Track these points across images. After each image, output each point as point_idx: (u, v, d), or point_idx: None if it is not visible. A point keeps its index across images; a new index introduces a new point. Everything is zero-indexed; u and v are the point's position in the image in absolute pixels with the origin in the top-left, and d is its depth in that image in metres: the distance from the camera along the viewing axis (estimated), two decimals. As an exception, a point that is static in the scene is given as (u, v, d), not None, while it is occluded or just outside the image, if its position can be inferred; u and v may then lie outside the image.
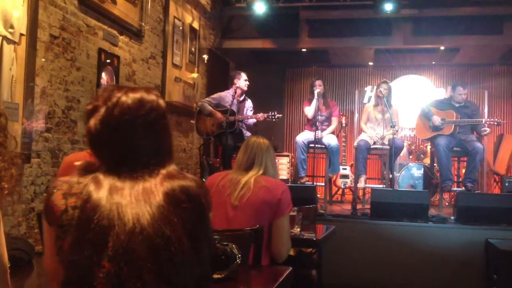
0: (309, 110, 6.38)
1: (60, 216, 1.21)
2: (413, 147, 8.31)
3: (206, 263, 1.29)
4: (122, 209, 1.19)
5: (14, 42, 3.59)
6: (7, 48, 3.53)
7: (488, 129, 5.91)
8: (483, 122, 5.93)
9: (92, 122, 1.27)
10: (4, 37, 3.49)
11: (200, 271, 1.25)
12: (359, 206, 5.95)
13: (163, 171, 1.28)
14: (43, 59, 3.93)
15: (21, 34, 3.66)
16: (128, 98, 1.28)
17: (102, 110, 1.27)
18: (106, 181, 1.23)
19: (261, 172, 2.65)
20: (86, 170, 1.28)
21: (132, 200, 1.20)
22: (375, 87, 6.72)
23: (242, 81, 6.12)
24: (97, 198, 1.19)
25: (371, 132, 6.30)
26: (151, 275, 1.15)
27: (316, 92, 6.23)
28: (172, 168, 1.30)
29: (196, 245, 1.24)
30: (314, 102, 6.24)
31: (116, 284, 1.14)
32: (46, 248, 1.29)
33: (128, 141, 1.27)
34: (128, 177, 1.24)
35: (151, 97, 1.32)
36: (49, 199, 1.24)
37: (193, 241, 1.23)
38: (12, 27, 3.55)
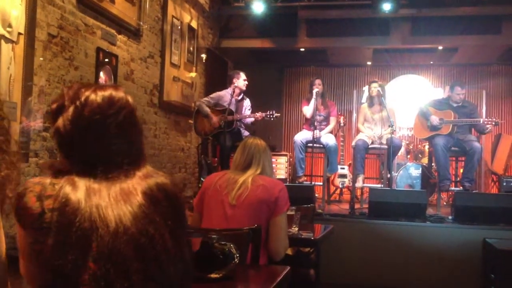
0: (307, 110, 6.38)
1: (36, 219, 1.16)
2: (411, 147, 8.32)
3: (188, 259, 1.29)
4: (103, 210, 1.17)
5: (12, 41, 3.59)
6: (5, 47, 3.52)
7: (489, 127, 5.92)
8: (481, 122, 5.95)
9: (61, 122, 1.23)
10: (2, 36, 3.48)
11: (183, 267, 1.25)
12: (357, 206, 5.95)
13: (139, 173, 1.26)
14: (41, 58, 3.93)
15: (19, 33, 3.65)
16: (97, 97, 1.25)
17: (71, 110, 1.23)
18: (82, 183, 1.19)
19: (258, 171, 2.67)
20: (57, 171, 1.24)
21: (112, 201, 1.18)
22: (368, 86, 6.74)
23: (241, 80, 6.12)
24: (76, 200, 1.16)
25: (369, 132, 6.31)
26: (138, 274, 1.15)
27: (314, 91, 6.24)
28: (147, 169, 1.29)
29: (177, 242, 1.24)
30: (313, 101, 6.24)
31: (103, 286, 1.12)
32: (22, 252, 1.23)
33: (100, 141, 1.24)
34: (104, 178, 1.22)
35: (120, 94, 1.28)
36: (21, 202, 1.18)
37: (175, 238, 1.23)
38: (10, 26, 3.54)
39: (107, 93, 1.27)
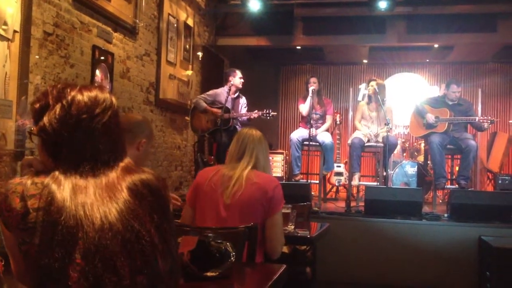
0: (303, 108, 6.39)
1: (21, 219, 1.16)
2: (407, 145, 8.34)
3: (176, 253, 1.32)
4: (88, 208, 1.18)
5: (7, 39, 3.57)
6: (1, 45, 3.51)
7: (486, 124, 5.92)
8: (476, 120, 5.96)
9: (46, 120, 1.23)
10: (-2, 34, 3.47)
11: (171, 261, 1.27)
12: (353, 204, 5.96)
13: (122, 164, 1.28)
14: (37, 56, 3.92)
15: (15, 31, 3.64)
16: (84, 96, 1.26)
17: (57, 109, 1.24)
18: (68, 181, 1.20)
19: (251, 164, 2.62)
20: (38, 169, 1.26)
21: (97, 198, 1.20)
22: (365, 84, 6.74)
23: (237, 78, 6.12)
24: (61, 198, 1.17)
25: (365, 130, 6.32)
26: (125, 268, 1.17)
27: (310, 89, 6.24)
28: (127, 160, 1.31)
29: (164, 236, 1.26)
30: (309, 99, 6.25)
31: (92, 282, 1.14)
32: (10, 254, 1.24)
33: (88, 140, 1.25)
34: (91, 175, 1.23)
35: (105, 95, 1.30)
36: (5, 203, 1.18)
37: (161, 233, 1.25)
38: (5, 24, 3.53)
39: (92, 93, 1.28)
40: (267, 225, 2.55)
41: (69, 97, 1.25)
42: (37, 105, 1.27)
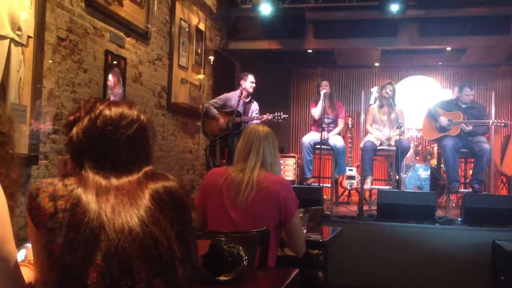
0: (315, 111, 6.38)
1: (49, 218, 1.22)
2: (419, 148, 8.29)
3: (195, 259, 1.35)
4: (110, 211, 1.23)
5: (21, 45, 3.61)
6: (15, 50, 3.55)
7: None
8: (490, 123, 5.91)
9: (74, 131, 1.32)
10: (12, 40, 3.51)
11: (190, 268, 1.30)
12: (365, 208, 5.94)
13: (145, 171, 1.34)
14: (50, 61, 3.96)
15: (29, 37, 3.68)
16: (111, 111, 1.34)
17: (85, 121, 1.32)
18: (93, 185, 1.26)
19: (259, 162, 2.57)
20: (68, 172, 1.34)
21: (119, 202, 1.25)
22: (378, 88, 6.71)
23: (248, 82, 6.13)
24: (86, 201, 1.23)
25: (377, 134, 6.29)
26: (141, 273, 1.20)
27: (322, 92, 6.24)
28: (151, 167, 1.37)
29: (184, 243, 1.29)
30: (321, 103, 6.24)
31: (109, 283, 1.18)
32: (35, 252, 1.29)
33: (109, 150, 1.32)
34: (114, 181, 1.29)
35: (133, 111, 1.38)
36: (34, 201, 1.24)
37: (181, 240, 1.28)
38: (19, 29, 3.57)
39: (120, 109, 1.36)
40: (287, 229, 2.56)
41: (97, 111, 1.33)
42: (71, 118, 1.36)
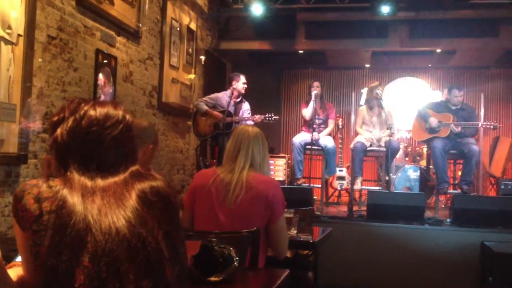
0: (306, 112, 6.39)
1: (34, 221, 1.20)
2: (409, 149, 8.33)
3: (184, 259, 1.34)
4: (97, 212, 1.22)
5: (11, 43, 3.58)
6: (5, 49, 3.52)
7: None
8: (480, 125, 5.96)
9: (59, 132, 1.31)
10: (2, 38, 3.48)
11: (179, 269, 1.29)
12: (355, 208, 5.96)
13: (132, 171, 1.33)
14: (41, 60, 3.93)
15: (19, 35, 3.65)
16: (96, 112, 1.33)
17: (70, 121, 1.31)
18: (79, 187, 1.25)
19: (248, 162, 2.57)
20: (56, 171, 1.32)
21: (105, 203, 1.24)
22: (368, 89, 6.72)
23: (240, 83, 6.13)
24: (72, 203, 1.21)
25: (368, 134, 6.31)
26: (129, 274, 1.19)
27: (313, 93, 6.25)
28: (137, 167, 1.35)
29: (172, 243, 1.28)
30: (312, 103, 6.25)
31: (97, 285, 1.17)
32: (22, 254, 1.27)
33: (95, 151, 1.30)
34: (99, 182, 1.28)
35: (118, 111, 1.36)
36: (19, 203, 1.22)
37: (169, 240, 1.28)
38: (9, 27, 3.54)
39: (104, 109, 1.34)
40: (271, 231, 2.54)
41: (82, 111, 1.32)
42: (55, 118, 1.34)
